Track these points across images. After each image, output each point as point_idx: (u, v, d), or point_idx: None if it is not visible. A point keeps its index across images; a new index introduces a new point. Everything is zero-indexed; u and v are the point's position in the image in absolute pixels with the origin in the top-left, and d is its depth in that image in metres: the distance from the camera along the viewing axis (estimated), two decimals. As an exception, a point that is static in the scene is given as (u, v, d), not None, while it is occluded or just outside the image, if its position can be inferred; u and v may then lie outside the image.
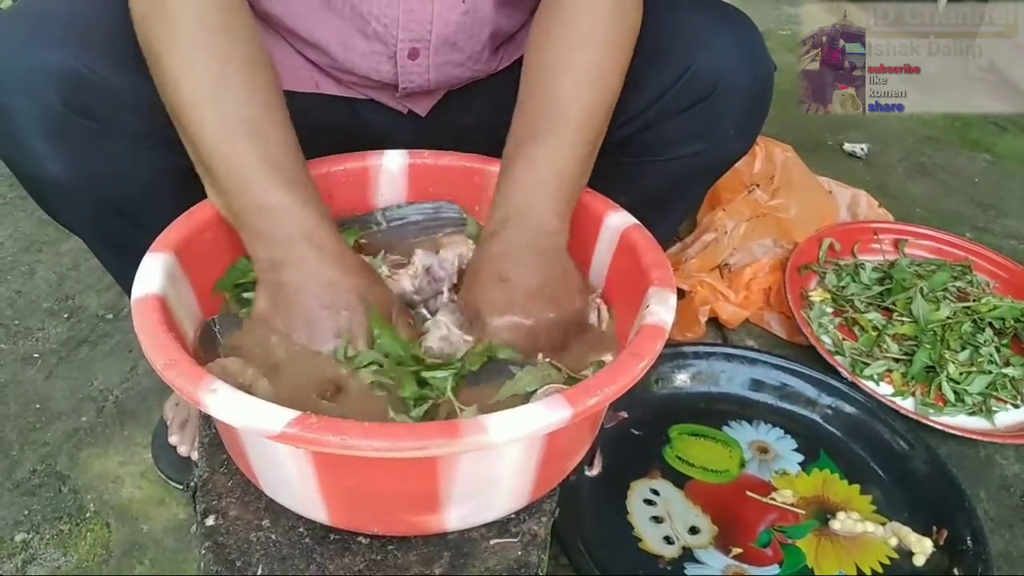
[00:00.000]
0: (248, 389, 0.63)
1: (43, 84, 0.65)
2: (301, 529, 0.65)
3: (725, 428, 1.09)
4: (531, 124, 0.73)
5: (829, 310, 1.35)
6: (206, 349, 0.69)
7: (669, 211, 0.94)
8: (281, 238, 0.64)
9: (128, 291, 0.73)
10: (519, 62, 0.88)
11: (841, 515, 0.97)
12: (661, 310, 0.65)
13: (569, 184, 0.72)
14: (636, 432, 1.06)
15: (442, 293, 0.75)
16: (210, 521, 0.65)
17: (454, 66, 0.83)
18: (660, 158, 0.84)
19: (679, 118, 0.80)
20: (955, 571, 0.91)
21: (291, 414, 0.51)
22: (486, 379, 0.65)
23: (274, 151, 0.65)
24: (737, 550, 0.93)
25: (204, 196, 0.73)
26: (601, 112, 0.74)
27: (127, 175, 0.73)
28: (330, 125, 0.85)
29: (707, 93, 0.78)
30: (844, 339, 1.28)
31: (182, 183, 0.77)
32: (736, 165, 1.44)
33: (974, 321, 1.29)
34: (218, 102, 0.64)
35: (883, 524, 0.97)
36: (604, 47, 0.74)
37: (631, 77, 0.77)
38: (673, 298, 0.66)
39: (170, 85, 0.64)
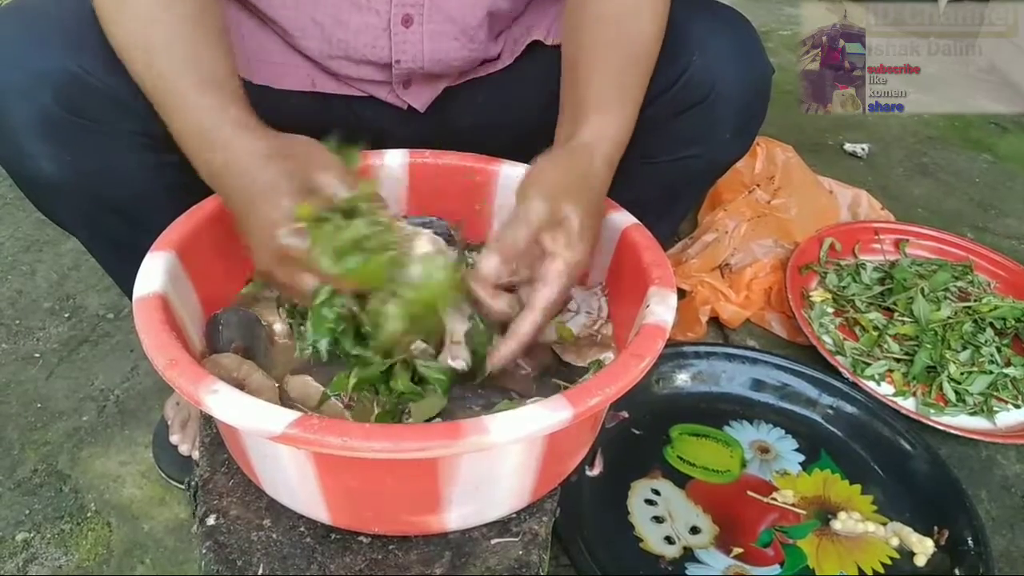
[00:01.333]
0: (242, 383, 0.64)
1: (38, 85, 0.65)
2: (302, 529, 0.65)
3: (726, 428, 1.09)
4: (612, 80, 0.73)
5: (830, 310, 1.35)
6: (212, 345, 0.70)
7: (667, 212, 0.94)
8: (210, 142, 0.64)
9: (125, 291, 0.74)
10: (518, 63, 0.88)
11: (842, 515, 0.97)
12: (661, 310, 0.65)
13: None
14: (637, 432, 1.06)
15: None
16: (211, 520, 0.65)
17: (449, 39, 0.82)
18: (656, 160, 0.84)
19: (675, 121, 0.80)
20: (956, 571, 0.91)
21: (292, 415, 0.51)
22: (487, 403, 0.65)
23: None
24: (738, 550, 0.93)
25: (201, 195, 0.74)
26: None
27: (122, 175, 0.73)
28: (328, 125, 0.85)
29: (703, 96, 0.78)
30: (845, 339, 1.28)
31: (178, 182, 0.77)
32: (737, 165, 1.44)
33: (975, 321, 1.29)
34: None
35: (884, 524, 0.97)
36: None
37: None
38: (673, 297, 0.66)
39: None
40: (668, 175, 0.85)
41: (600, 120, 0.71)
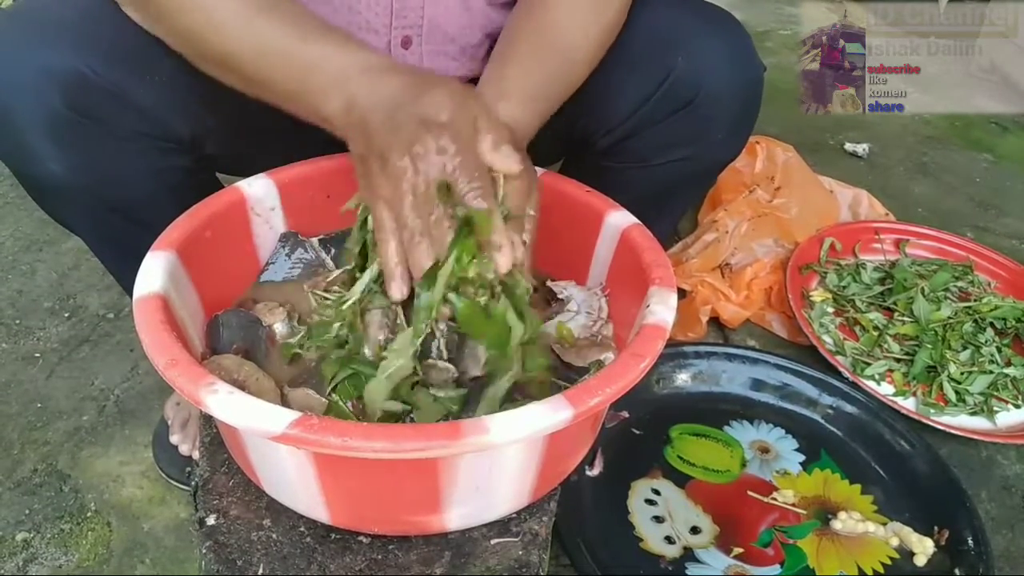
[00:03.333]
0: (243, 385, 0.64)
1: (46, 84, 0.65)
2: (302, 528, 0.65)
3: (726, 428, 1.09)
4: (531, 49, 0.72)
5: (830, 310, 1.35)
6: (212, 346, 0.70)
7: (664, 213, 0.93)
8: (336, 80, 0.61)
9: (128, 291, 0.73)
10: None
11: (842, 515, 0.97)
12: (662, 309, 0.64)
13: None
14: (637, 432, 1.06)
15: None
16: (211, 520, 0.65)
17: (448, 59, 0.83)
18: (647, 164, 0.83)
19: (663, 125, 0.79)
20: (956, 571, 0.91)
21: (292, 415, 0.51)
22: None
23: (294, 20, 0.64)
24: (738, 550, 0.93)
25: (203, 195, 0.73)
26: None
27: (128, 175, 0.73)
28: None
29: (690, 99, 0.77)
30: (845, 339, 1.28)
31: (182, 183, 0.77)
32: (737, 165, 1.43)
33: (975, 321, 1.29)
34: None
35: (884, 524, 0.97)
36: None
37: (610, 86, 0.76)
38: (674, 297, 0.66)
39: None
40: (660, 177, 0.85)
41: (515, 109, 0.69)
